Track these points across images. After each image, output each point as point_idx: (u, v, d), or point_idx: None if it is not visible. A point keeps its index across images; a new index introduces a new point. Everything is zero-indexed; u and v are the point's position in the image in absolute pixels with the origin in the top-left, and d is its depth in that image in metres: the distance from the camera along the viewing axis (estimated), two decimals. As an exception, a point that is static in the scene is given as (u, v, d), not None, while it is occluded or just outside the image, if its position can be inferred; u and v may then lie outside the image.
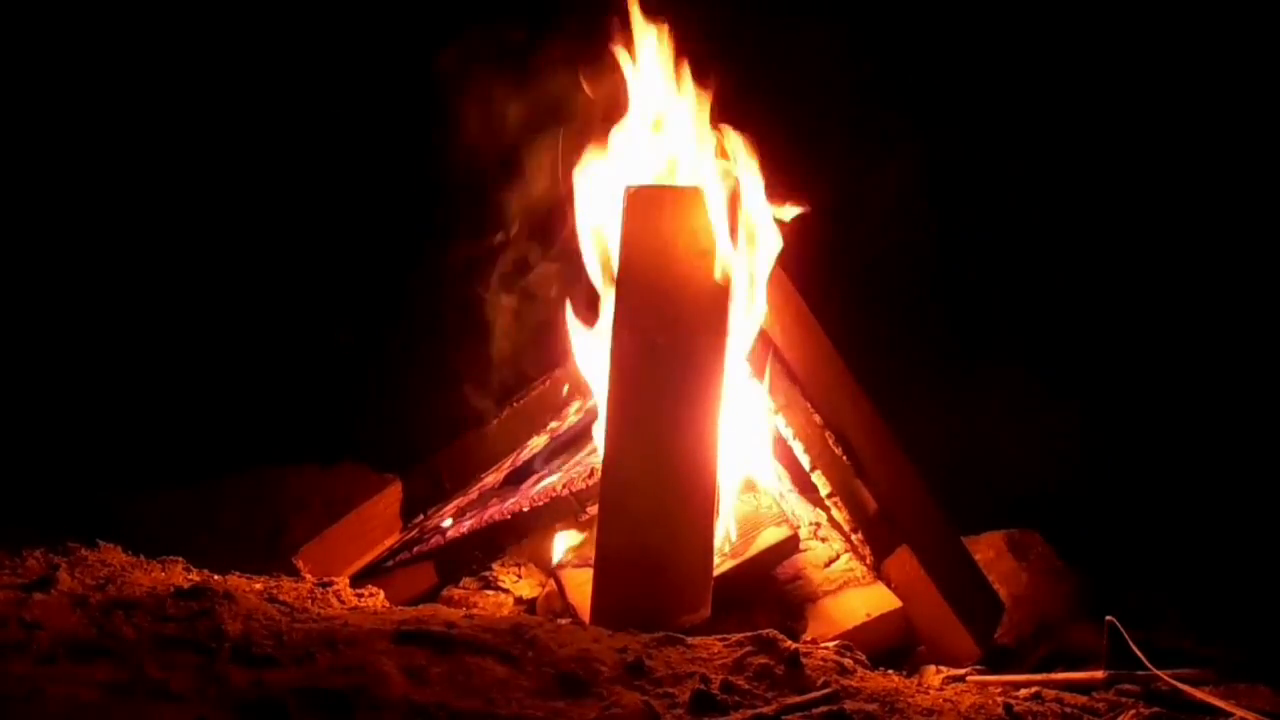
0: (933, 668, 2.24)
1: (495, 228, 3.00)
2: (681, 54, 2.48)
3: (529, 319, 2.93)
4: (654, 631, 1.97)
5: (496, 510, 2.63)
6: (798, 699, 1.78)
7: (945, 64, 3.21)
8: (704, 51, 2.52)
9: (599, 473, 2.32)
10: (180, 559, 2.31)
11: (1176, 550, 2.81)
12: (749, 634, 1.95)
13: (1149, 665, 2.10)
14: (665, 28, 2.47)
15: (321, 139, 3.28)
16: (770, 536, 2.38)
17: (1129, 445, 3.14)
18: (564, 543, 2.59)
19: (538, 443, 2.63)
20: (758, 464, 2.55)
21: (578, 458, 2.65)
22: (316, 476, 2.90)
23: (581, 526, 2.64)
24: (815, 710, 1.74)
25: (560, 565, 2.46)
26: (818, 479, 2.46)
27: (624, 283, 2.25)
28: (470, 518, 2.62)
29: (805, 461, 2.48)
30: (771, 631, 1.95)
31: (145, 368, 3.19)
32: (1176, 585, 2.66)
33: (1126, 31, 3.22)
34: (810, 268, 2.58)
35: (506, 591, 2.59)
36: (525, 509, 2.64)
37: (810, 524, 2.50)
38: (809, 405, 2.48)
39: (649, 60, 2.49)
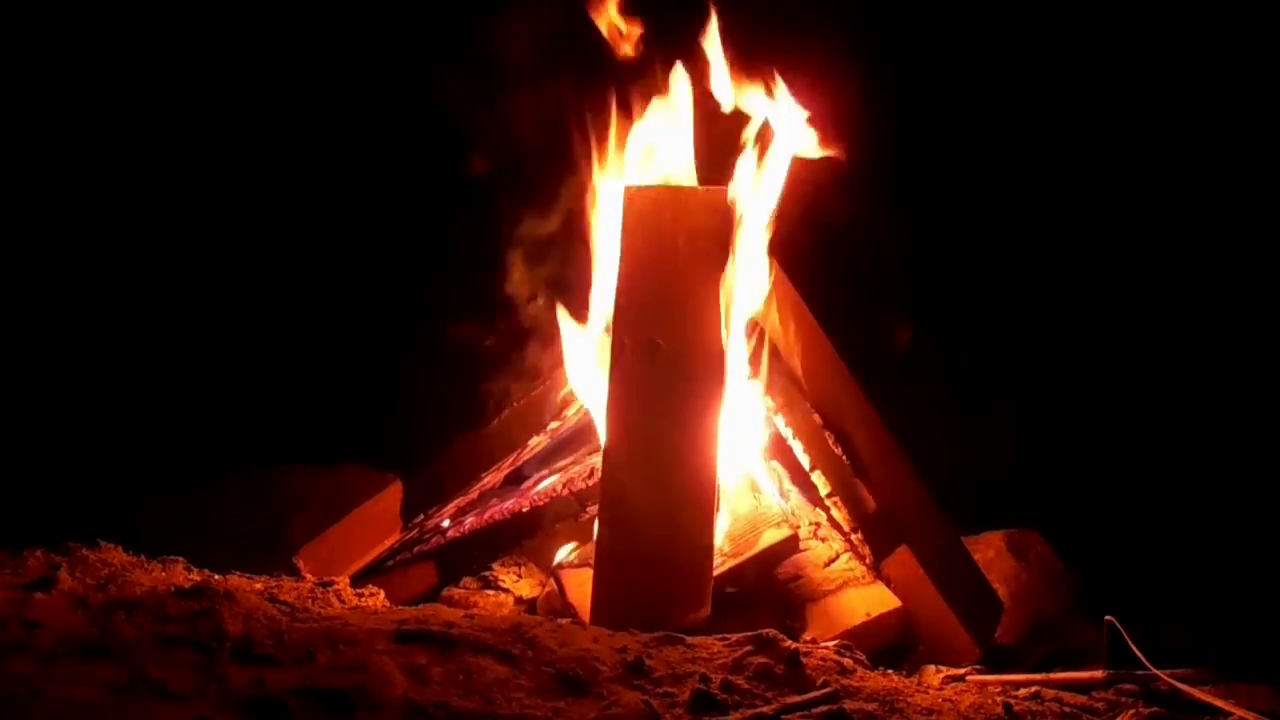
0: (932, 667, 2.24)
1: (498, 229, 3.01)
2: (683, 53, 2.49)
3: (530, 320, 2.93)
4: (654, 631, 1.97)
5: (496, 510, 2.63)
6: (798, 698, 1.78)
7: (936, 69, 3.22)
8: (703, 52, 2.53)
9: (599, 473, 2.33)
10: (181, 559, 2.31)
11: (1176, 550, 2.81)
12: (749, 634, 1.95)
13: (1148, 665, 2.10)
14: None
15: (326, 141, 3.28)
16: (770, 536, 2.39)
17: (1128, 445, 3.14)
18: (564, 542, 2.59)
19: (538, 443, 2.63)
20: (758, 464, 2.56)
21: (578, 457, 2.66)
22: (316, 476, 2.90)
23: (581, 526, 2.64)
24: (815, 710, 1.75)
25: (560, 565, 2.46)
26: (818, 479, 2.46)
27: (624, 283, 2.26)
28: (470, 518, 2.62)
29: (805, 461, 2.48)
30: (771, 631, 1.95)
31: (147, 368, 3.19)
32: (1176, 585, 2.66)
33: (1102, 36, 3.23)
34: (809, 268, 2.59)
35: (506, 591, 2.59)
36: (525, 509, 2.64)
37: (810, 524, 2.50)
38: (809, 405, 2.48)
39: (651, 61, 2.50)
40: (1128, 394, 3.22)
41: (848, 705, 1.79)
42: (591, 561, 2.22)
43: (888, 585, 2.36)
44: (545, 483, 2.64)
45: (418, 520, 2.59)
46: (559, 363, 2.62)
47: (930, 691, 2.02)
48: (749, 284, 2.46)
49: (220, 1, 3.26)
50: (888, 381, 2.57)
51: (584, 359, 2.52)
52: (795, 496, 2.56)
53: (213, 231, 3.29)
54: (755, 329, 2.51)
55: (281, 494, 2.86)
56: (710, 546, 2.21)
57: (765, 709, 1.72)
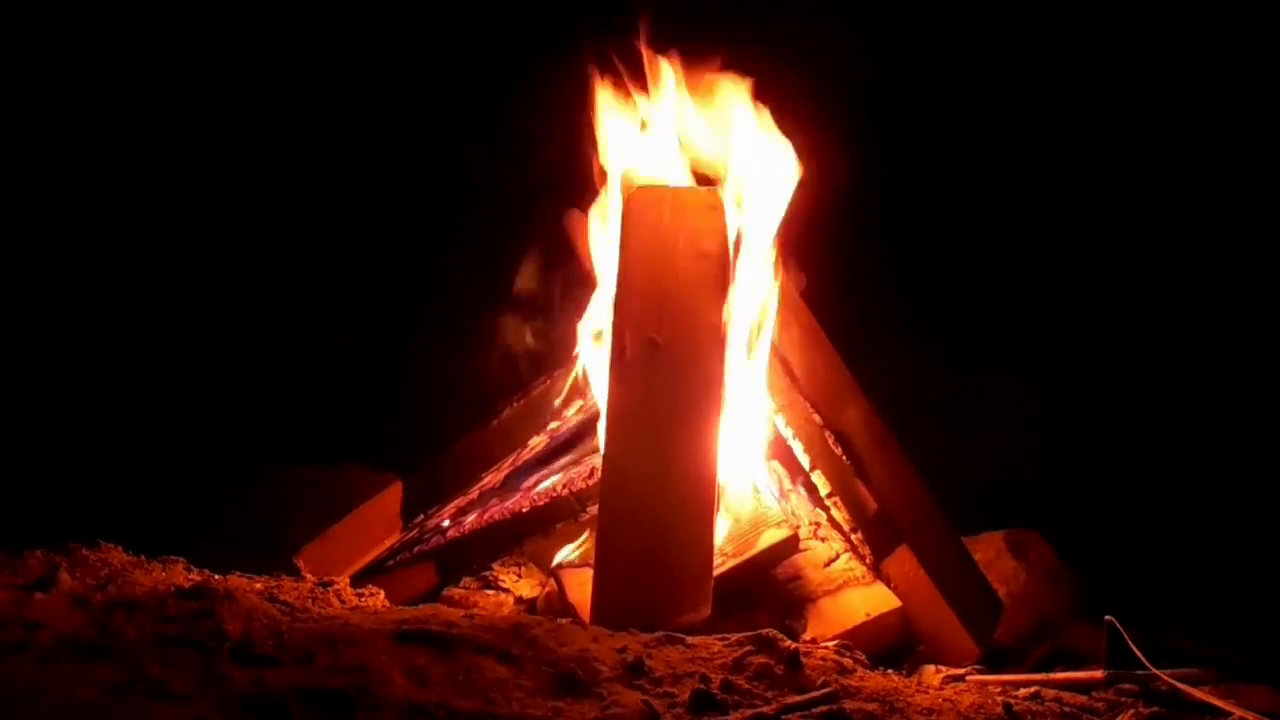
0: (932, 667, 2.24)
1: (499, 230, 3.01)
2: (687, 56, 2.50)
3: (530, 320, 2.93)
4: (654, 631, 1.97)
5: (496, 510, 2.63)
6: (798, 699, 1.78)
7: (943, 70, 3.22)
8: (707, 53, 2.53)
9: (599, 472, 2.33)
10: (181, 559, 2.31)
11: (1177, 550, 2.81)
12: (749, 634, 1.95)
13: (1148, 665, 2.10)
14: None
15: (327, 141, 3.28)
16: (770, 537, 2.38)
17: (1129, 445, 3.15)
18: (564, 543, 2.59)
19: (538, 443, 2.63)
20: (758, 464, 2.55)
21: (578, 457, 2.66)
22: (316, 476, 2.90)
23: (581, 526, 2.64)
24: (815, 710, 1.75)
25: (560, 565, 2.46)
26: (818, 479, 2.47)
27: (624, 282, 2.26)
28: (470, 518, 2.63)
29: (805, 461, 2.48)
30: (771, 631, 1.95)
31: (146, 368, 3.19)
32: (1176, 585, 2.66)
33: (1102, 31, 3.23)
34: (809, 268, 2.59)
35: (506, 591, 2.58)
36: (525, 509, 2.64)
37: (810, 524, 2.50)
38: (809, 405, 2.48)
39: (652, 61, 2.50)
40: (1128, 394, 3.22)
41: (848, 705, 1.79)
42: (591, 561, 2.22)
43: (888, 585, 2.37)
44: (545, 483, 2.65)
45: (418, 520, 2.59)
46: (559, 363, 2.62)
47: (930, 691, 2.02)
48: (749, 283, 2.46)
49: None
50: (888, 381, 2.57)
51: (586, 359, 2.52)
52: (795, 497, 2.56)
53: (212, 231, 3.29)
54: (756, 329, 2.51)
55: (281, 494, 2.86)
56: (710, 546, 2.21)
57: (765, 709, 1.72)
